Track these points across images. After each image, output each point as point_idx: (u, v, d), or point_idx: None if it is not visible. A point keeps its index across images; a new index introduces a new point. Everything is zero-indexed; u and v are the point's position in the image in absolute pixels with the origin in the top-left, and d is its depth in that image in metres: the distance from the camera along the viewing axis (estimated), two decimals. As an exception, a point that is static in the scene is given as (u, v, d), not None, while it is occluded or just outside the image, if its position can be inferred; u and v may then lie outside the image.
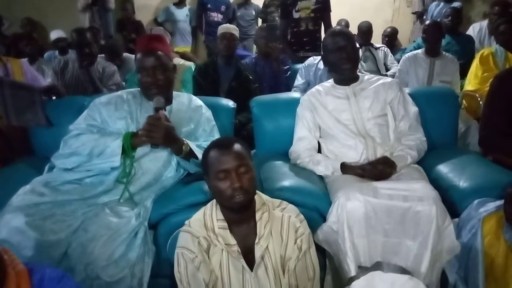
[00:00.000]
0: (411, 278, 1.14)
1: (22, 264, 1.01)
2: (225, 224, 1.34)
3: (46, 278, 1.01)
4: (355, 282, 1.17)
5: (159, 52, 1.81)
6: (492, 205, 1.53)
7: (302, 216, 1.41)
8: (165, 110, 1.77)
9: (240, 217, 1.35)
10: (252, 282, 1.30)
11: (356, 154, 1.85)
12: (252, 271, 1.31)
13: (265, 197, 1.44)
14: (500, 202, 1.51)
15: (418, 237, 1.50)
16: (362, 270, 1.44)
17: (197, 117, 1.92)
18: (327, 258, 1.64)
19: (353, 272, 1.46)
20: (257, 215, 1.35)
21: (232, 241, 1.32)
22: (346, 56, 1.93)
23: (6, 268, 0.97)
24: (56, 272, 1.04)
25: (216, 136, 1.92)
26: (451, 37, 3.77)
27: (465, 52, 3.69)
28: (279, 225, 1.36)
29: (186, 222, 1.40)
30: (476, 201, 1.56)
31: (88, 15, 4.64)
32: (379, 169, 1.73)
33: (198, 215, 1.40)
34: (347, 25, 4.72)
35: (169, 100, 1.87)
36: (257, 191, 1.41)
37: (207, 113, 1.97)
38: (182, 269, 1.30)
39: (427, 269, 1.47)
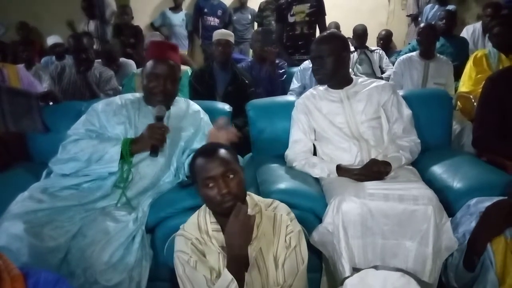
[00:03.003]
0: (403, 275, 1.15)
1: (17, 269, 1.01)
2: (218, 227, 1.36)
3: (41, 281, 1.02)
4: (348, 279, 1.18)
5: (173, 62, 1.83)
6: (489, 202, 1.54)
7: (293, 215, 1.43)
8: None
9: None
10: (246, 282, 1.31)
11: (351, 157, 1.86)
12: (246, 271, 1.32)
13: (256, 197, 1.45)
14: (498, 200, 1.51)
15: (416, 237, 1.51)
16: (357, 271, 1.45)
17: (196, 122, 1.93)
18: (323, 260, 1.65)
19: (347, 273, 1.46)
20: None
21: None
22: (315, 68, 1.96)
23: (1, 273, 0.97)
24: (51, 275, 1.04)
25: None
26: (445, 39, 3.80)
27: (459, 54, 3.72)
28: (271, 225, 1.37)
29: (181, 226, 1.41)
30: (474, 199, 1.57)
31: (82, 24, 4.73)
32: (375, 171, 1.73)
33: (192, 219, 1.42)
34: (337, 27, 4.74)
35: (168, 106, 1.89)
36: (249, 193, 1.43)
37: (205, 117, 1.99)
38: (181, 272, 1.31)
39: (431, 266, 1.48)
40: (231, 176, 1.31)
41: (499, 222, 1.38)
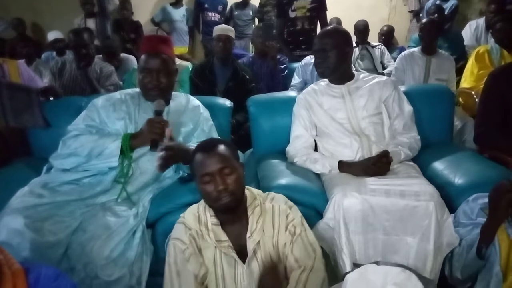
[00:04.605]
0: (404, 270, 1.15)
1: (18, 264, 1.02)
2: (217, 221, 1.36)
3: (42, 276, 1.02)
4: (349, 275, 1.19)
5: (165, 56, 1.82)
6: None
7: (291, 203, 1.44)
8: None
9: (232, 217, 1.37)
10: (245, 275, 1.32)
11: (352, 152, 1.85)
12: (244, 264, 1.33)
13: (256, 191, 1.46)
14: (497, 184, 1.51)
15: (417, 233, 1.51)
16: (357, 267, 1.45)
17: (196, 117, 1.93)
18: (323, 256, 1.65)
19: (348, 268, 1.47)
20: (249, 210, 1.37)
21: (223, 237, 1.34)
22: (317, 62, 1.96)
23: (2, 267, 0.98)
24: (52, 270, 1.05)
25: (215, 135, 1.94)
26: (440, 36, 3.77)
27: (455, 48, 3.71)
28: (270, 217, 1.38)
29: (182, 214, 1.42)
30: (473, 196, 1.57)
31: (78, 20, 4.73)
32: (379, 167, 1.72)
33: (192, 209, 1.42)
34: (338, 23, 4.72)
35: (167, 101, 1.88)
36: (248, 187, 1.43)
37: (205, 113, 1.98)
38: (172, 260, 1.32)
39: (432, 263, 1.48)
40: (229, 172, 1.31)
41: (503, 206, 1.35)
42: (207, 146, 1.36)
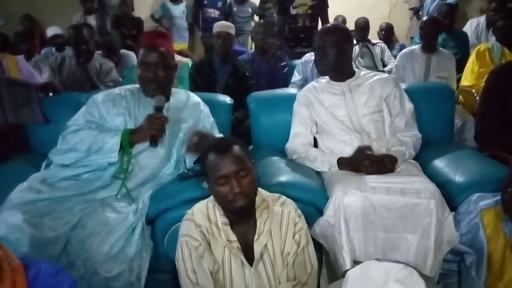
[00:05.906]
0: (405, 267, 1.15)
1: (17, 260, 1.02)
2: (227, 220, 1.34)
3: (41, 272, 1.02)
4: (350, 271, 1.18)
5: (163, 49, 1.81)
6: (490, 199, 1.54)
7: (300, 211, 1.42)
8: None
9: (241, 218, 1.35)
10: (252, 277, 1.31)
11: (352, 150, 1.85)
12: (252, 266, 1.32)
13: (264, 193, 1.43)
14: (499, 196, 1.51)
15: (418, 230, 1.51)
16: (357, 264, 1.45)
17: (197, 113, 1.93)
18: (323, 253, 1.65)
19: (348, 266, 1.46)
20: (257, 212, 1.35)
21: (233, 237, 1.32)
22: (317, 59, 1.95)
23: (1, 263, 0.97)
24: (52, 266, 1.05)
25: (216, 132, 1.93)
26: (446, 34, 3.78)
27: (461, 48, 3.72)
28: (278, 220, 1.36)
29: (189, 211, 1.39)
30: (475, 195, 1.57)
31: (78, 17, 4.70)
32: (380, 169, 1.70)
33: (200, 206, 1.39)
34: (344, 21, 4.72)
35: (167, 97, 1.88)
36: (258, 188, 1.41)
37: (206, 109, 1.98)
38: (187, 257, 1.29)
39: (433, 260, 1.48)
40: (244, 175, 1.28)
41: None
42: (222, 147, 1.31)
